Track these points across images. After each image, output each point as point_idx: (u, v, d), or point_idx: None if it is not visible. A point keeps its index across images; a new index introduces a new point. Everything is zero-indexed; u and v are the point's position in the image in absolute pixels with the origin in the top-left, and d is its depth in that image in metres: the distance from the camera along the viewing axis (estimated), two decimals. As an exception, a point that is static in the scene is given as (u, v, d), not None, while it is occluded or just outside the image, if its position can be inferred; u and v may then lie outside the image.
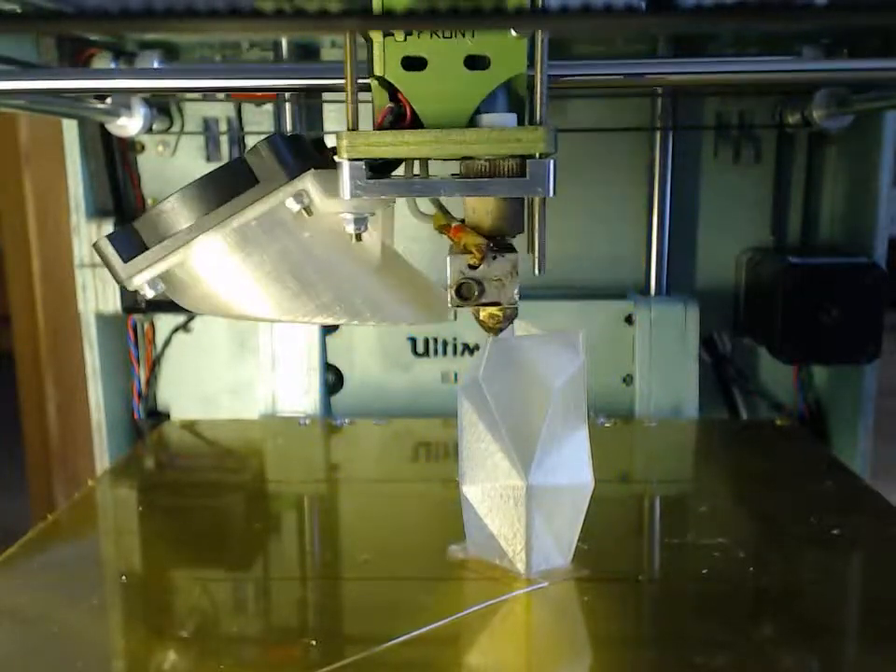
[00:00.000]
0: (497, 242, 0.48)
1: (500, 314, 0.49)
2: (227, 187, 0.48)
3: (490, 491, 0.52)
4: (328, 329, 0.89)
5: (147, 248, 0.48)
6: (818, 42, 0.80)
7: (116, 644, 0.48)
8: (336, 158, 0.45)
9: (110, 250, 0.48)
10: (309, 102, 0.89)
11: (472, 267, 0.47)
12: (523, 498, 0.51)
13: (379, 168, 0.46)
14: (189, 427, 0.86)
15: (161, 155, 0.92)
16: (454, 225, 0.49)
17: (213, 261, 0.49)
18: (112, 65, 0.81)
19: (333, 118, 0.90)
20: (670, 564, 0.56)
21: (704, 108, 0.90)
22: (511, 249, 0.48)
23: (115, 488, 0.72)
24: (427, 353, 0.90)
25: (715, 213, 0.92)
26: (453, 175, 0.47)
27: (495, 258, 0.47)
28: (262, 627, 0.50)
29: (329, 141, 0.49)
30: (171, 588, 0.54)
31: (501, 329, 0.50)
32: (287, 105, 0.87)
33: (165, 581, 0.55)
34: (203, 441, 0.83)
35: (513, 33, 0.44)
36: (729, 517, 0.64)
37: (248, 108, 0.91)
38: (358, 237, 0.48)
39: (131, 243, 0.49)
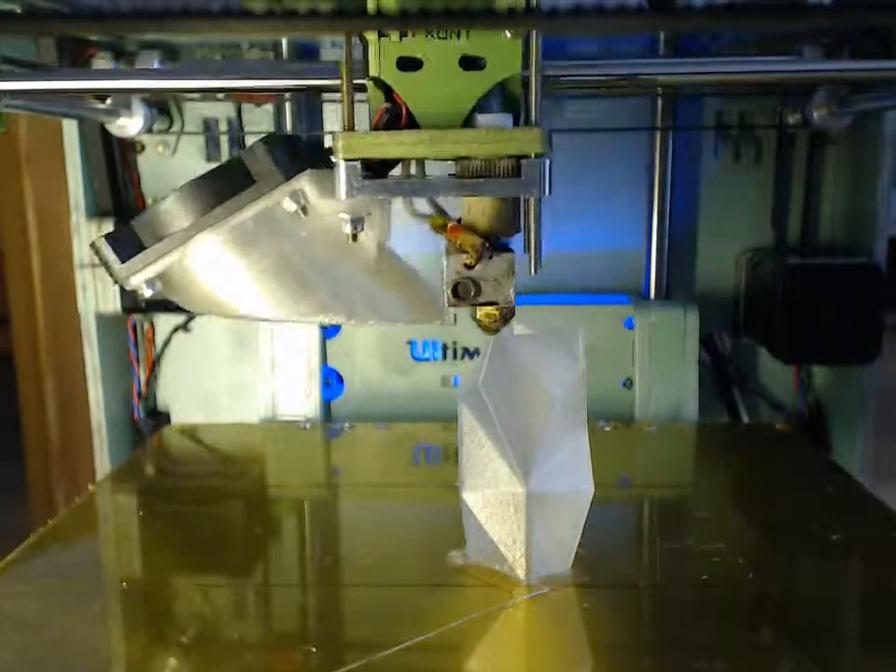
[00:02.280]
0: (494, 242, 0.48)
1: (497, 313, 0.49)
2: (224, 186, 0.48)
3: (490, 497, 0.52)
4: (327, 333, 0.89)
5: (144, 248, 0.49)
6: (818, 42, 0.80)
7: (116, 651, 0.48)
8: (332, 158, 0.45)
9: (107, 250, 0.49)
10: (309, 102, 0.89)
11: (469, 267, 0.47)
12: (523, 505, 0.51)
13: (375, 168, 0.46)
14: (190, 431, 0.86)
15: (161, 155, 0.92)
16: (450, 225, 0.49)
17: (210, 261, 0.49)
18: (112, 65, 0.81)
19: (333, 118, 0.90)
20: (670, 570, 0.56)
21: (704, 108, 0.90)
22: (508, 249, 0.48)
23: (115, 494, 0.72)
24: (426, 357, 0.90)
25: (715, 213, 0.92)
26: (449, 174, 0.47)
27: (491, 257, 0.47)
28: (263, 634, 0.50)
29: (328, 141, 0.49)
30: (171, 594, 0.54)
31: (498, 329, 0.50)
32: (288, 105, 0.87)
33: (166, 588, 0.55)
34: (203, 445, 0.83)
35: (508, 33, 0.44)
36: (728, 522, 0.64)
37: (248, 108, 0.91)
38: (355, 237, 0.48)
39: (128, 242, 0.49)
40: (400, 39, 0.44)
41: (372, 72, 0.45)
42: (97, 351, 0.91)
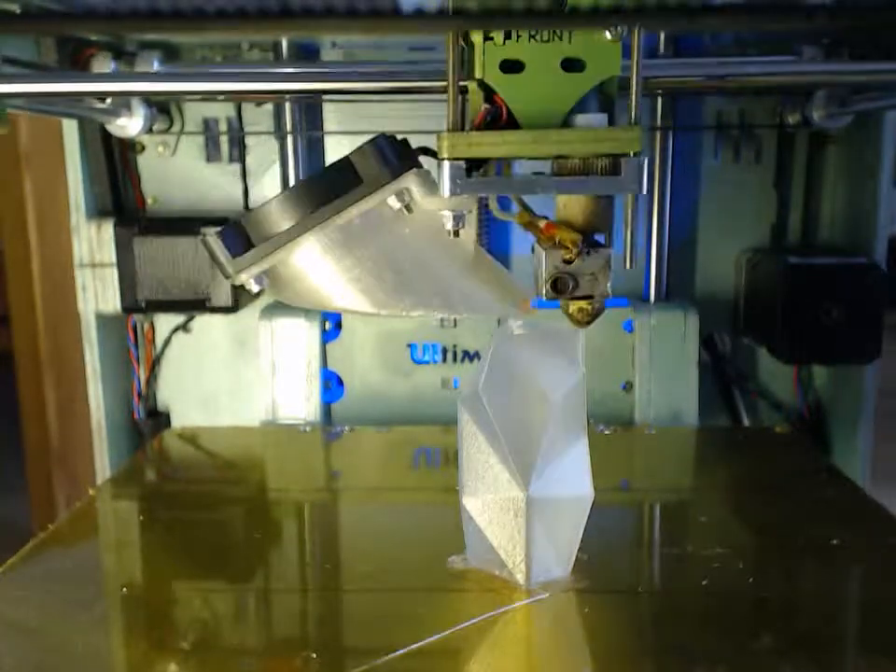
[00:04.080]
0: (589, 238, 0.49)
1: (589, 308, 0.49)
2: (331, 186, 0.50)
3: (490, 503, 0.52)
4: (327, 336, 0.89)
5: (252, 245, 0.50)
6: (818, 42, 0.80)
7: (116, 656, 0.48)
8: (436, 157, 0.47)
9: (219, 246, 0.50)
10: (309, 102, 0.89)
11: (567, 262, 0.48)
12: (523, 510, 0.51)
13: (470, 168, 0.47)
14: (190, 435, 0.86)
15: (161, 155, 0.92)
16: (547, 221, 0.49)
17: (316, 258, 0.51)
18: (112, 65, 0.81)
19: (333, 118, 0.90)
20: (670, 575, 0.56)
21: (704, 108, 0.90)
22: (602, 245, 0.49)
23: (115, 498, 0.71)
24: (426, 360, 0.90)
25: (715, 213, 0.92)
26: (534, 173, 0.48)
27: (588, 253, 0.48)
28: (263, 639, 0.50)
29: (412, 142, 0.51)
30: (171, 600, 0.54)
31: (588, 324, 0.50)
32: (288, 106, 0.87)
33: (166, 593, 0.55)
34: (203, 449, 0.83)
35: (608, 35, 0.45)
36: (728, 527, 0.64)
37: (248, 108, 0.90)
38: (456, 233, 0.49)
39: (238, 239, 0.50)
40: (504, 42, 0.45)
41: (477, 74, 0.46)
42: (97, 351, 0.91)
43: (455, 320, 0.88)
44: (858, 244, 0.88)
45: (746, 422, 0.95)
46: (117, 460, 0.93)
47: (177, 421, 0.97)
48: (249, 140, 0.91)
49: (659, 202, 0.89)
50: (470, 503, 0.52)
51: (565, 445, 0.52)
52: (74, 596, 0.53)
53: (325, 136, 0.90)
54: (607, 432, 0.83)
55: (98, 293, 0.90)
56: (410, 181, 0.50)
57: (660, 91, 0.86)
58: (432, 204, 0.50)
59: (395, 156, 0.50)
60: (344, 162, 0.50)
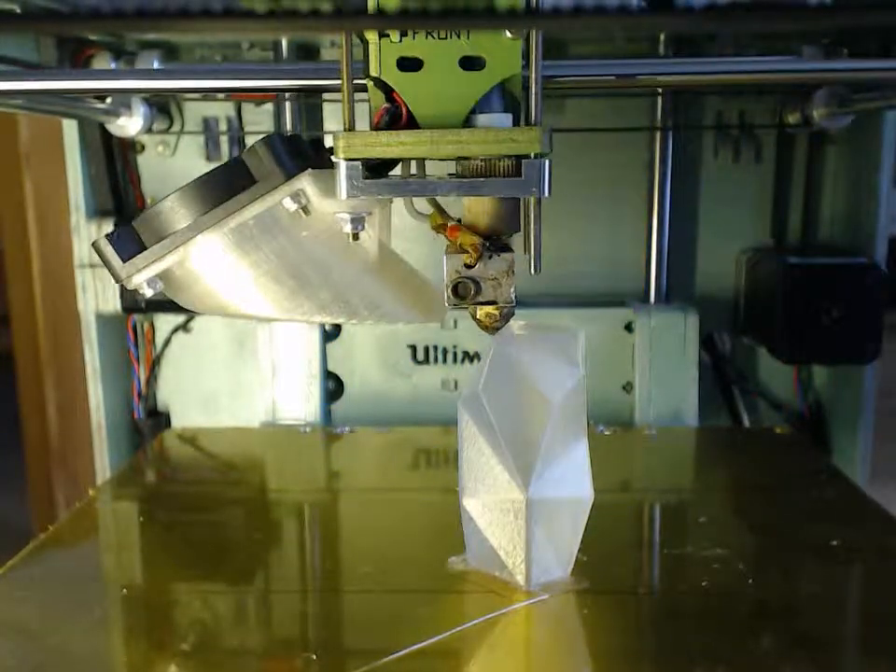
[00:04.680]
0: (494, 241, 0.48)
1: (497, 312, 0.49)
2: (225, 186, 0.48)
3: (490, 504, 0.52)
4: (328, 336, 0.89)
5: (145, 248, 0.49)
6: (818, 42, 0.80)
7: (117, 657, 0.48)
8: (333, 158, 0.45)
9: (109, 249, 0.49)
10: (309, 101, 0.89)
11: (469, 266, 0.47)
12: (523, 512, 0.51)
13: (376, 168, 0.46)
14: (190, 436, 0.85)
15: (161, 155, 0.92)
16: (450, 224, 0.49)
17: (211, 260, 0.49)
18: (112, 65, 0.81)
19: (333, 118, 0.90)
20: (670, 576, 0.56)
21: (704, 108, 0.90)
22: (507, 249, 0.48)
23: (115, 499, 0.71)
24: (427, 360, 0.90)
25: (715, 213, 0.92)
26: (449, 174, 0.47)
27: (491, 257, 0.47)
28: (263, 640, 0.50)
29: (328, 141, 0.49)
30: (172, 601, 0.54)
31: (498, 328, 0.50)
32: (287, 105, 0.87)
33: (166, 594, 0.55)
34: (203, 450, 0.83)
35: (508, 34, 0.44)
36: (728, 528, 0.64)
37: (248, 108, 0.91)
38: (355, 237, 0.48)
39: (129, 242, 0.49)
40: (401, 39, 0.45)
41: (373, 72, 0.45)
42: (97, 351, 0.91)
43: (455, 321, 0.88)
44: (858, 244, 0.88)
45: (746, 422, 0.95)
46: (117, 460, 0.93)
47: (177, 421, 0.97)
48: (249, 140, 0.91)
49: (659, 202, 0.89)
50: (470, 504, 0.52)
51: (565, 446, 0.52)
52: (74, 597, 0.53)
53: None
54: (607, 433, 0.83)
55: (98, 293, 0.90)
56: (305, 182, 0.48)
57: (660, 91, 0.86)
58: (331, 207, 0.48)
59: (290, 155, 0.48)
60: (238, 161, 0.48)
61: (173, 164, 0.92)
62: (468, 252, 0.47)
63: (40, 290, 1.15)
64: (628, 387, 0.88)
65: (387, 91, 0.46)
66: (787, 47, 0.81)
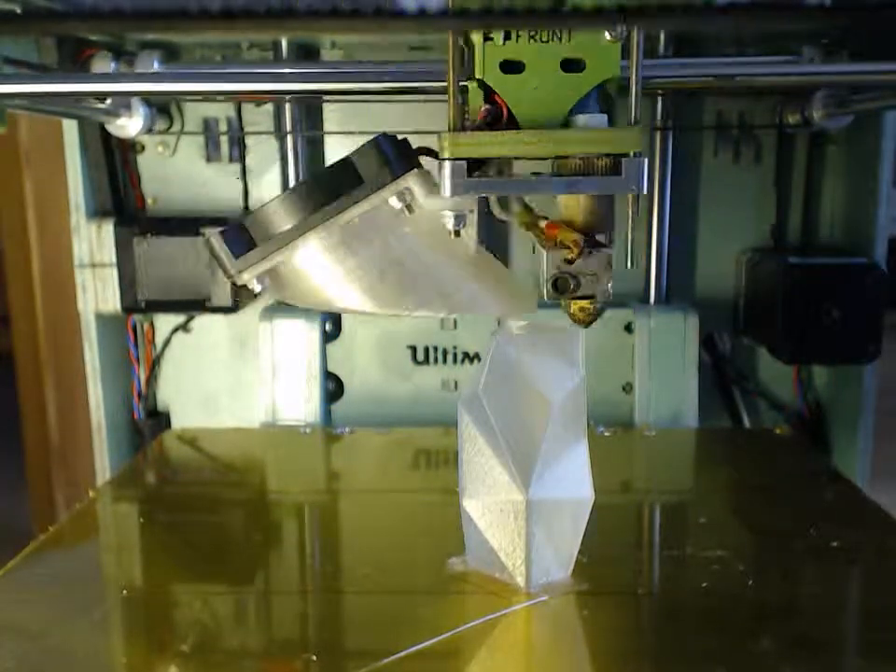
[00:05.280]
0: (589, 238, 0.49)
1: (591, 307, 0.50)
2: (332, 187, 0.50)
3: (490, 505, 0.52)
4: (328, 337, 0.89)
5: (255, 245, 0.50)
6: (818, 42, 0.80)
7: (117, 658, 0.48)
8: (433, 157, 0.47)
9: (221, 246, 0.50)
10: (309, 102, 0.89)
11: (568, 262, 0.48)
12: (523, 513, 0.51)
13: (470, 168, 0.47)
14: (190, 437, 0.85)
15: (161, 155, 0.92)
16: (548, 222, 0.49)
17: (318, 258, 0.51)
18: (112, 65, 0.81)
19: (333, 118, 0.90)
20: (670, 577, 0.56)
21: (704, 108, 0.90)
22: (603, 245, 0.49)
23: (115, 500, 0.71)
24: (427, 361, 0.90)
25: (715, 213, 0.92)
26: (532, 174, 0.48)
27: (590, 253, 0.48)
28: (263, 641, 0.50)
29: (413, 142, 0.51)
30: (172, 602, 0.54)
31: (590, 323, 0.50)
32: (287, 106, 0.87)
33: (166, 595, 0.55)
34: (203, 451, 0.83)
35: (608, 35, 0.45)
36: (728, 529, 0.64)
37: (248, 108, 0.90)
38: (457, 233, 0.50)
39: (240, 240, 0.50)
40: (504, 42, 0.46)
41: (477, 74, 0.46)
42: (97, 351, 0.91)
43: (455, 321, 0.88)
44: (858, 244, 0.88)
45: (746, 422, 0.95)
46: (117, 460, 0.93)
47: (177, 421, 0.97)
48: (249, 140, 0.91)
49: (659, 202, 0.89)
50: (470, 505, 0.52)
51: (565, 447, 0.52)
52: (74, 599, 0.53)
53: (325, 136, 0.90)
54: (607, 433, 0.83)
55: (98, 293, 0.90)
56: (411, 181, 0.50)
57: (660, 91, 0.86)
58: (433, 204, 0.50)
59: (395, 156, 0.50)
60: (345, 162, 0.50)
61: (173, 164, 0.92)
62: (567, 248, 0.48)
63: (40, 290, 1.15)
64: (628, 388, 0.88)
65: (487, 93, 0.46)
66: (787, 47, 0.81)
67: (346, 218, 0.50)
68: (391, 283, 0.52)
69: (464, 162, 0.45)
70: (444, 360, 0.90)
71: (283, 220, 0.50)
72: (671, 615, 0.52)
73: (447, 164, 0.45)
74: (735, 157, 0.91)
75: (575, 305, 0.50)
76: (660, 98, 0.87)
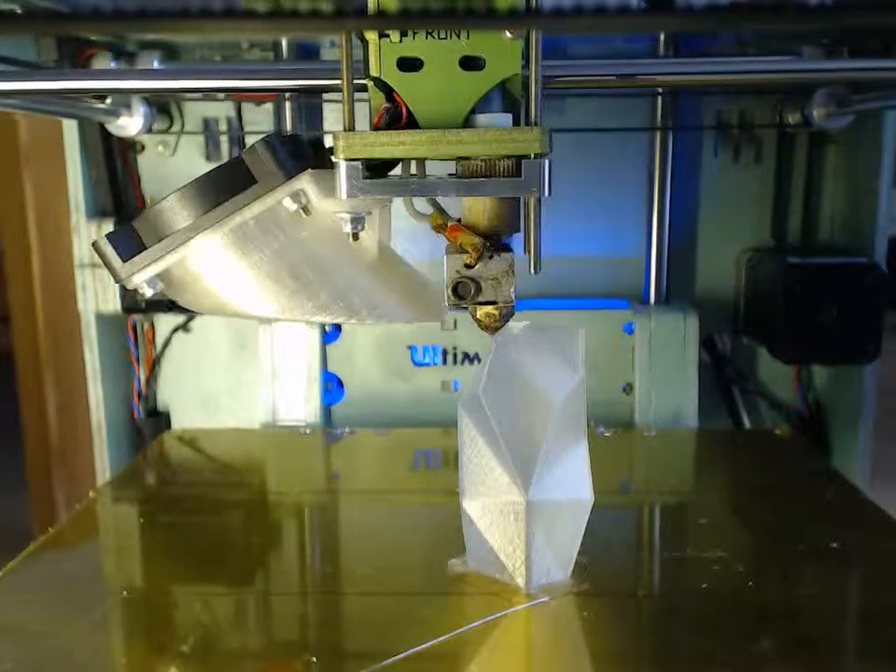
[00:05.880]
0: (494, 241, 0.48)
1: (497, 312, 0.49)
2: (225, 186, 0.48)
3: (490, 506, 0.52)
4: (328, 338, 0.89)
5: (145, 247, 0.49)
6: (818, 42, 0.80)
7: (117, 659, 0.48)
8: (333, 158, 0.45)
9: (109, 249, 0.49)
10: (309, 101, 0.89)
11: (469, 266, 0.47)
12: (523, 514, 0.51)
13: (376, 168, 0.46)
14: (190, 437, 0.85)
15: (161, 155, 0.92)
16: (450, 224, 0.49)
17: (211, 260, 0.49)
18: (112, 65, 0.81)
19: (333, 117, 0.90)
20: (670, 578, 0.56)
21: (704, 108, 0.90)
22: (507, 249, 0.48)
23: (115, 501, 0.71)
24: (426, 361, 0.90)
25: (715, 213, 0.92)
26: (449, 174, 0.47)
27: (491, 257, 0.47)
28: (263, 643, 0.50)
29: (328, 141, 0.50)
30: (172, 603, 0.54)
31: (497, 328, 0.50)
32: (287, 105, 0.87)
33: (166, 596, 0.55)
34: (203, 452, 0.83)
35: (508, 34, 0.44)
36: (728, 530, 0.64)
37: (248, 108, 0.91)
38: (355, 236, 0.48)
39: (130, 242, 0.49)
40: (401, 40, 0.45)
41: (373, 72, 0.45)
42: (97, 351, 0.91)
43: (454, 322, 0.88)
44: (858, 244, 0.88)
45: (746, 422, 0.95)
46: (117, 460, 0.93)
47: (177, 421, 0.97)
48: (249, 140, 0.91)
49: (659, 202, 0.89)
50: (470, 506, 0.52)
51: (565, 448, 0.52)
52: (74, 600, 0.53)
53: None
54: (607, 434, 0.83)
55: (98, 293, 0.90)
56: (305, 182, 0.48)
57: (660, 91, 0.86)
58: (331, 206, 0.48)
59: (290, 155, 0.48)
60: (238, 161, 0.48)
61: (173, 164, 0.92)
62: (468, 252, 0.47)
63: (40, 290, 1.15)
64: (628, 388, 0.88)
65: (388, 91, 0.46)
66: (786, 47, 0.81)
67: (239, 220, 0.48)
68: (288, 287, 0.50)
69: (359, 163, 0.44)
70: (444, 361, 0.90)
71: (174, 221, 0.48)
72: (671, 616, 0.52)
73: (342, 165, 0.44)
74: (735, 157, 0.91)
75: (480, 311, 0.49)
76: (660, 98, 0.87)
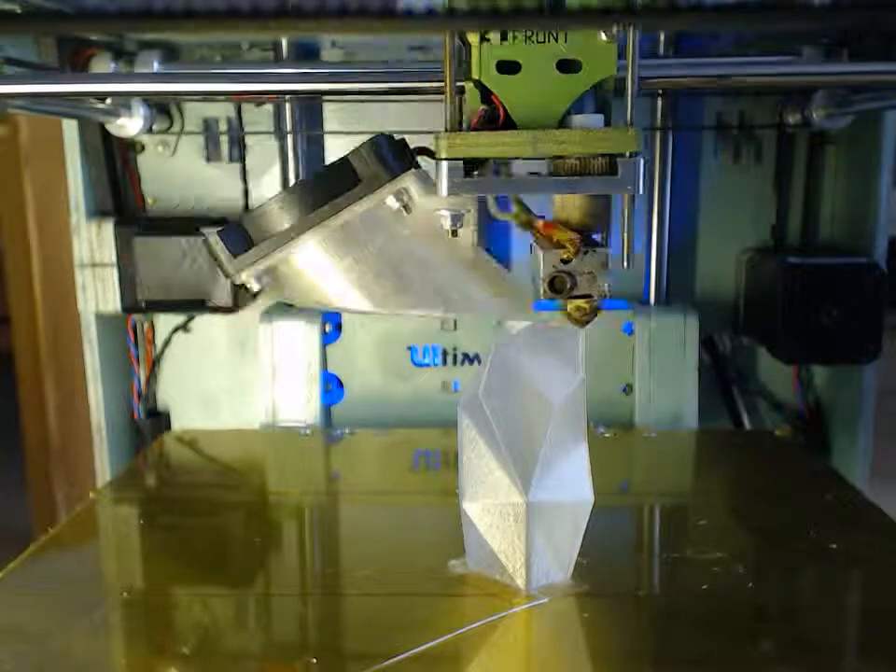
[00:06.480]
0: (585, 238, 0.49)
1: (587, 307, 0.49)
2: (330, 186, 0.50)
3: (490, 508, 0.52)
4: (328, 339, 0.89)
5: (253, 244, 0.50)
6: (818, 42, 0.80)
7: (117, 660, 0.48)
8: (429, 158, 0.47)
9: (220, 245, 0.50)
10: (309, 102, 0.89)
11: (565, 261, 0.48)
12: (523, 515, 0.51)
13: (467, 168, 0.47)
14: (190, 438, 0.85)
15: (161, 155, 0.92)
16: (545, 221, 0.50)
17: (316, 257, 0.51)
18: (112, 65, 0.81)
19: (333, 118, 0.90)
20: (670, 579, 0.56)
21: (704, 108, 0.90)
22: (599, 244, 0.49)
23: (115, 502, 0.71)
24: (426, 362, 0.90)
25: (715, 213, 0.92)
26: (529, 173, 0.48)
27: (587, 252, 0.48)
28: (263, 644, 0.50)
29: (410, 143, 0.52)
30: (172, 604, 0.54)
31: (587, 323, 0.50)
32: (288, 106, 0.87)
33: (166, 597, 0.55)
34: (203, 453, 0.83)
35: (603, 36, 0.45)
36: (728, 531, 0.64)
37: (248, 108, 0.90)
38: (454, 233, 0.50)
39: (238, 239, 0.50)
40: (501, 43, 0.46)
41: (473, 74, 0.46)
42: (97, 351, 0.91)
43: (454, 322, 0.88)
44: (858, 244, 0.88)
45: (746, 422, 0.95)
46: (117, 460, 0.93)
47: (177, 421, 0.97)
48: (249, 140, 0.91)
49: (659, 202, 0.89)
50: (470, 508, 0.52)
51: (565, 450, 0.52)
52: (74, 601, 0.53)
53: (325, 136, 0.90)
54: (607, 435, 0.83)
55: (98, 293, 0.90)
56: (408, 181, 0.50)
57: (660, 91, 0.86)
58: (430, 204, 0.50)
59: (393, 156, 0.50)
60: (343, 162, 0.50)
61: (173, 164, 0.92)
62: (564, 248, 0.48)
63: (40, 290, 1.15)
64: (628, 389, 0.88)
65: (485, 93, 0.47)
66: (786, 47, 0.81)
67: (344, 218, 0.50)
68: (388, 282, 0.52)
69: (460, 162, 0.45)
70: (444, 361, 0.90)
71: (281, 220, 0.50)
72: (671, 617, 0.52)
73: (444, 164, 0.46)
74: (735, 157, 0.91)
75: (572, 305, 0.50)
76: (660, 98, 0.87)
